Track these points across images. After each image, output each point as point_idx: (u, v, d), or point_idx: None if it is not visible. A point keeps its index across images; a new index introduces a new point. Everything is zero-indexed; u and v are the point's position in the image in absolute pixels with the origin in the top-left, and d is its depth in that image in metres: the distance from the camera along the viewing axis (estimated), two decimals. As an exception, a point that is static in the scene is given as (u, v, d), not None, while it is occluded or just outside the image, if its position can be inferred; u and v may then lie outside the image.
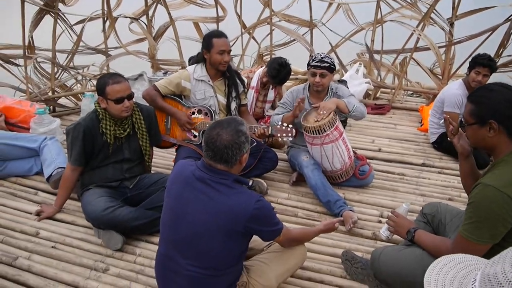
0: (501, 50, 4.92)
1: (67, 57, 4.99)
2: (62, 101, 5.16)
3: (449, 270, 1.14)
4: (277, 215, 2.80)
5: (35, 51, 4.71)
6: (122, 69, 5.46)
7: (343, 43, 5.59)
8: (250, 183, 3.39)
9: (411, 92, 5.89)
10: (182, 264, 1.91)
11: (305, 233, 2.28)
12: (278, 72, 3.89)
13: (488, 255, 1.79)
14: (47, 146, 3.49)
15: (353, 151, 3.63)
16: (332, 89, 3.45)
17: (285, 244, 2.15)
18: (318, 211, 3.23)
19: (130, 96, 2.78)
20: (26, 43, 4.52)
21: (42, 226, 2.88)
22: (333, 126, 3.15)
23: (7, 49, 4.56)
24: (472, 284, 1.04)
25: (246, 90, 3.60)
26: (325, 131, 3.13)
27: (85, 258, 2.59)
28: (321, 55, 3.28)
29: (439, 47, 5.17)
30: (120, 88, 2.71)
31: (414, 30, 5.08)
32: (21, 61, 4.60)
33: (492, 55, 4.77)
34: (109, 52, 5.24)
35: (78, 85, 5.35)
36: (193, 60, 3.69)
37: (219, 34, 3.28)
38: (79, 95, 5.09)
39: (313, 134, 3.17)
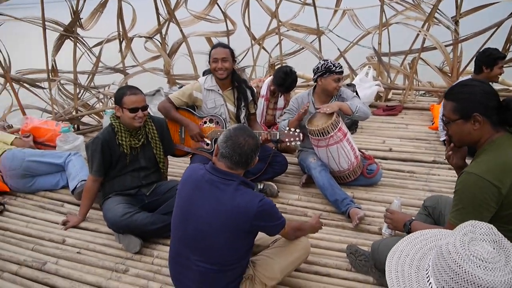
0: (508, 45, 4.96)
1: (88, 77, 5.29)
2: (86, 119, 5.46)
3: (407, 254, 1.26)
4: (287, 215, 2.98)
5: (58, 74, 5.02)
6: (140, 86, 5.70)
7: (351, 48, 5.72)
8: (262, 187, 3.55)
9: (423, 92, 5.96)
10: (192, 260, 2.08)
11: (300, 223, 2.47)
12: (284, 80, 4.05)
13: None
14: (72, 162, 3.73)
15: (361, 151, 3.75)
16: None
17: (290, 235, 2.31)
18: (327, 210, 3.35)
19: (144, 108, 3.00)
20: (50, 67, 4.83)
21: (68, 234, 3.09)
22: (337, 127, 3.29)
23: (32, 73, 4.88)
24: (429, 261, 1.15)
25: (255, 99, 3.76)
26: (329, 133, 3.27)
27: (107, 261, 2.79)
28: (333, 62, 3.46)
29: (446, 45, 5.25)
30: (136, 99, 2.95)
31: (419, 31, 5.17)
32: (45, 84, 4.89)
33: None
34: (126, 71, 5.52)
35: (100, 103, 5.63)
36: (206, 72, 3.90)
37: (216, 46, 3.51)
38: (101, 112, 5.37)
39: (318, 136, 3.31)
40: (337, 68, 3.43)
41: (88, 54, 5.15)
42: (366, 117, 3.55)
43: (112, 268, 2.72)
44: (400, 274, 1.17)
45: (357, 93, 4.92)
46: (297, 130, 3.40)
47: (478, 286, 1.02)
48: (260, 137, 3.40)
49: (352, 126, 4.87)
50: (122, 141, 3.01)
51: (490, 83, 4.06)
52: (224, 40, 5.77)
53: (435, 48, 5.21)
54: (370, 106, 5.49)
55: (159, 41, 5.61)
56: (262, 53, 5.98)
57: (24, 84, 4.75)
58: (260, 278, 2.20)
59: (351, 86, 5.01)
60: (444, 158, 2.23)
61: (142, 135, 3.11)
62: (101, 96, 5.52)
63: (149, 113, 3.17)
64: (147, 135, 3.14)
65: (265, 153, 3.59)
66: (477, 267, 1.03)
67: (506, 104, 1.89)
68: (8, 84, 4.57)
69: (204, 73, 4.58)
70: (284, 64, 5.83)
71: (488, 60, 3.96)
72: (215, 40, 5.84)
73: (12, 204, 3.57)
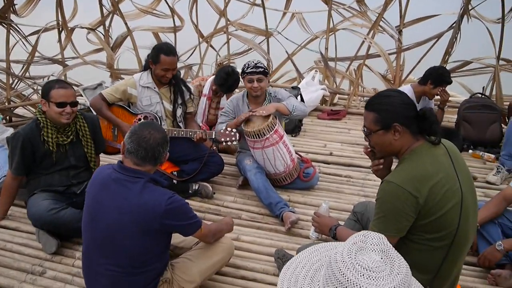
0: (447, 57, 5.14)
1: (23, 67, 5.02)
2: (21, 111, 5.17)
3: (304, 265, 1.23)
4: (221, 217, 2.90)
5: (-12, 61, 4.73)
6: (82, 79, 5.53)
7: (299, 51, 5.75)
8: (196, 187, 3.47)
9: (368, 97, 6.06)
10: (102, 263, 1.98)
11: (217, 225, 2.38)
12: (225, 80, 3.98)
13: (397, 247, 1.90)
14: (-5, 155, 3.51)
15: (298, 154, 3.75)
16: (271, 93, 3.58)
17: (208, 238, 2.24)
18: (261, 213, 3.32)
19: (74, 104, 2.81)
20: (-20, 54, 4.55)
21: (-17, 233, 2.91)
22: (273, 129, 3.26)
23: (-41, 60, 4.57)
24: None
25: (192, 97, 3.69)
26: (264, 135, 3.24)
27: (23, 262, 2.64)
28: (254, 62, 3.42)
29: (390, 54, 5.37)
30: (64, 93, 2.76)
31: (365, 38, 5.26)
32: (-26, 72, 4.61)
33: (439, 62, 5.03)
34: (66, 62, 5.28)
35: (37, 95, 5.35)
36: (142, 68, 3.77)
37: (168, 52, 3.33)
38: (36, 104, 5.10)
39: (254, 138, 3.28)
40: (249, 68, 3.40)
41: (23, 43, 4.88)
42: (304, 115, 3.58)
43: (28, 270, 2.58)
44: (293, 285, 1.14)
45: (301, 96, 4.94)
46: (234, 130, 3.36)
47: None
48: (195, 136, 3.34)
49: (295, 128, 4.87)
50: (48, 137, 2.81)
51: (425, 97, 4.24)
52: (171, 36, 5.65)
53: (379, 56, 5.31)
54: (315, 109, 5.53)
55: (102, 34, 5.41)
56: (210, 51, 5.90)
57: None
58: (178, 281, 2.15)
59: (295, 89, 5.01)
60: (371, 171, 2.24)
61: (71, 131, 2.92)
62: (37, 87, 5.24)
63: (79, 109, 3.01)
64: (77, 132, 2.95)
65: (200, 153, 3.53)
66: (360, 275, 1.03)
67: (423, 113, 1.93)
68: None
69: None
70: (231, 64, 5.80)
71: (437, 77, 4.07)
72: (162, 36, 5.71)
73: None
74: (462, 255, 2.01)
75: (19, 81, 5.06)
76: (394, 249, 1.10)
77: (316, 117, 5.40)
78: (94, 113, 3.52)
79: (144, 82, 3.45)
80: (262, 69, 3.36)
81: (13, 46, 4.84)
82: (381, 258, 1.06)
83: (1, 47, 4.70)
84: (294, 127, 4.86)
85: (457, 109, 4.76)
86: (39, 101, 2.88)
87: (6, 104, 4.89)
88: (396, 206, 1.82)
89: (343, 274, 1.03)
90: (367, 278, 1.02)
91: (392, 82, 5.50)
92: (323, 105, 5.72)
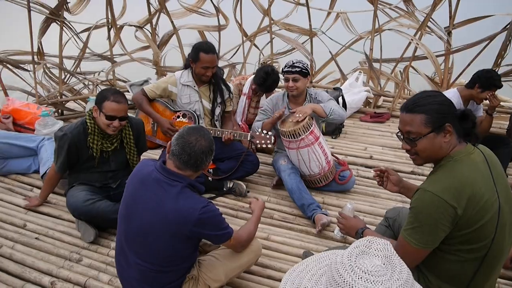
0: (500, 60, 4.89)
1: (74, 63, 5.26)
2: (72, 105, 5.43)
3: (311, 269, 1.22)
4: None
5: (45, 57, 4.99)
6: (129, 75, 5.73)
7: (343, 52, 5.67)
8: (231, 185, 3.52)
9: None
10: (132, 257, 2.05)
11: (248, 228, 2.33)
12: (264, 80, 3.99)
13: (427, 257, 1.83)
14: (44, 146, 3.71)
15: (335, 156, 3.71)
16: (311, 94, 3.55)
17: (236, 248, 2.25)
18: (294, 214, 3.32)
19: (123, 118, 2.87)
20: (35, 50, 4.81)
21: (30, 219, 3.08)
22: (308, 130, 3.25)
23: (16, 55, 4.85)
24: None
25: (231, 96, 3.73)
26: (300, 135, 3.23)
27: (62, 249, 2.77)
28: (293, 61, 3.41)
29: (438, 55, 5.19)
30: (117, 107, 2.80)
31: (412, 39, 5.11)
32: (30, 67, 4.87)
33: (491, 65, 4.79)
34: (114, 59, 5.48)
35: (87, 89, 5.60)
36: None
37: (207, 50, 3.38)
38: (86, 99, 5.35)
39: (289, 138, 3.28)
40: (286, 67, 3.39)
41: (75, 39, 5.11)
42: (342, 120, 3.51)
43: (66, 256, 2.71)
44: (296, 287, 1.14)
45: (343, 98, 4.88)
46: (269, 133, 3.38)
47: None
48: (223, 136, 3.38)
49: (336, 130, 4.82)
50: (93, 144, 2.92)
51: (473, 102, 4.02)
52: (215, 35, 5.73)
53: (426, 58, 5.14)
54: (358, 111, 5.45)
55: (149, 31, 5.57)
56: (253, 50, 5.94)
57: (8, 66, 4.71)
58: (204, 279, 2.17)
59: (337, 90, 4.96)
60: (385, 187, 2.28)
61: (116, 139, 3.01)
62: (88, 82, 5.49)
63: (128, 116, 3.02)
64: (122, 140, 3.04)
65: (237, 152, 3.57)
66: (358, 278, 1.02)
67: (462, 113, 1.82)
68: (-10, 64, 4.54)
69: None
70: (274, 63, 5.81)
71: (485, 81, 3.81)
72: (207, 34, 5.80)
73: (-18, 186, 3.56)
74: (496, 269, 1.91)
75: (70, 76, 5.32)
76: (397, 256, 1.08)
77: (358, 119, 5.31)
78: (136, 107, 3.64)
79: (184, 80, 3.52)
80: (299, 69, 3.34)
81: (66, 43, 5.09)
82: (383, 263, 1.05)
83: (54, 44, 4.95)
84: (334, 129, 4.81)
85: (510, 115, 4.52)
86: (88, 96, 2.98)
87: (59, 98, 5.15)
88: (433, 216, 1.72)
89: (341, 275, 1.03)
90: (364, 281, 1.01)
91: (440, 85, 5.31)
92: (367, 107, 5.62)
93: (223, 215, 2.09)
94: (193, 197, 1.99)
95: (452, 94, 3.98)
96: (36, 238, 2.89)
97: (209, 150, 2.03)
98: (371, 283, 1.00)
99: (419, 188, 1.83)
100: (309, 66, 3.45)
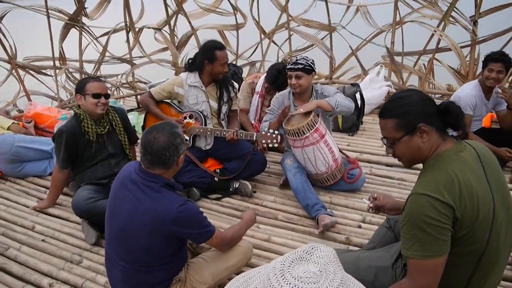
0: (530, 48, 4.60)
1: (94, 67, 5.39)
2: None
3: (251, 276, 1.18)
4: (257, 217, 2.83)
5: (66, 62, 5.14)
6: (149, 77, 5.81)
7: (364, 46, 5.51)
8: (237, 185, 3.48)
9: (440, 95, 5.64)
10: (116, 258, 2.06)
11: (234, 228, 2.30)
12: (276, 78, 3.93)
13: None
14: (58, 149, 3.81)
15: (345, 154, 3.60)
16: (317, 90, 3.46)
17: (221, 247, 2.21)
18: (299, 214, 3.24)
19: (107, 96, 3.07)
20: (57, 55, 4.96)
21: (39, 221, 3.16)
22: (313, 128, 3.15)
23: (39, 61, 5.02)
24: None
25: (236, 92, 3.71)
26: (304, 134, 3.15)
27: (65, 251, 2.82)
28: (296, 58, 3.33)
29: (463, 46, 4.94)
30: (99, 85, 3.04)
31: (434, 31, 4.89)
32: (52, 72, 5.02)
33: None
34: (133, 61, 5.57)
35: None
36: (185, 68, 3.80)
37: (221, 46, 3.43)
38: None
39: (293, 136, 3.20)
40: (289, 65, 3.32)
41: (95, 44, 5.24)
42: (350, 111, 3.37)
43: (68, 258, 2.75)
44: None
45: (361, 94, 4.73)
46: (275, 132, 3.32)
47: None
48: (227, 135, 3.35)
49: (353, 127, 4.69)
50: (88, 128, 3.04)
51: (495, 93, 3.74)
52: (234, 33, 5.71)
53: (450, 49, 4.91)
54: (379, 107, 5.26)
55: (168, 33, 5.62)
56: (272, 48, 5.87)
57: (31, 72, 4.89)
58: (191, 281, 2.15)
59: (354, 86, 4.81)
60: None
61: (106, 122, 3.15)
62: (108, 85, 5.61)
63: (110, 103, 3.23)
64: (111, 122, 3.19)
65: (244, 151, 3.53)
66: (286, 284, 0.98)
67: (444, 107, 1.72)
68: (13, 70, 4.71)
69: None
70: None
71: (485, 59, 3.63)
72: (227, 33, 5.80)
73: (0, 188, 3.69)
74: (493, 274, 1.76)
75: (91, 80, 5.45)
76: (337, 264, 1.02)
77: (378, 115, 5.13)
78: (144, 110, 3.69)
79: (191, 81, 3.51)
80: (302, 66, 3.25)
81: (86, 47, 5.22)
82: (319, 271, 1.00)
83: (74, 48, 5.09)
84: (351, 125, 4.68)
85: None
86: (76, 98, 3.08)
87: (80, 101, 5.29)
88: (433, 218, 1.57)
89: (270, 280, 1.00)
90: (292, 287, 0.97)
91: (466, 77, 5.05)
92: (389, 102, 5.42)
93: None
94: (170, 196, 1.98)
95: (473, 86, 3.77)
96: (42, 240, 2.96)
97: (170, 145, 1.98)
98: None
99: (411, 193, 1.69)
100: (313, 63, 3.35)
